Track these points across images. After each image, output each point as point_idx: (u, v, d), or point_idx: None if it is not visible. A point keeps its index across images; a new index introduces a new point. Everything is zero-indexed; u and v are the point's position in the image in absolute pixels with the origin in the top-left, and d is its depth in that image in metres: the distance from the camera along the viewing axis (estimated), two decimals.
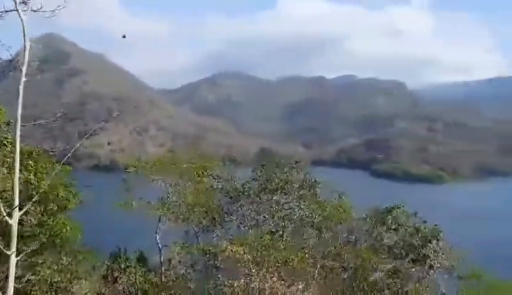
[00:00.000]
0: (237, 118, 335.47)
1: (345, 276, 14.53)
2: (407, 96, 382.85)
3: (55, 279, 12.50)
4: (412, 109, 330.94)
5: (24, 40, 6.30)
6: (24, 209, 6.34)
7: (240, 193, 17.28)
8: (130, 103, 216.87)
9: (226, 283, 12.98)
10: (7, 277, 6.07)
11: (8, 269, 5.95)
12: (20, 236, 8.35)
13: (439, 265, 15.50)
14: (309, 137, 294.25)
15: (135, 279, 14.33)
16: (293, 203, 17.51)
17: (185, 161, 17.93)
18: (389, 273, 14.99)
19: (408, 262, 15.71)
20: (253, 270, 12.45)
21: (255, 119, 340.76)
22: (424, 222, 17.13)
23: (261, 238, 14.56)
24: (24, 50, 6.32)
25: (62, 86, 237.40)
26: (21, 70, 6.28)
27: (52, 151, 15.14)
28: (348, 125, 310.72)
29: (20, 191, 6.78)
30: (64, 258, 12.92)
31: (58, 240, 12.37)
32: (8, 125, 11.27)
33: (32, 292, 12.13)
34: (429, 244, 15.56)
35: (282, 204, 17.41)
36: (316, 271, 14.09)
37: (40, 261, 12.17)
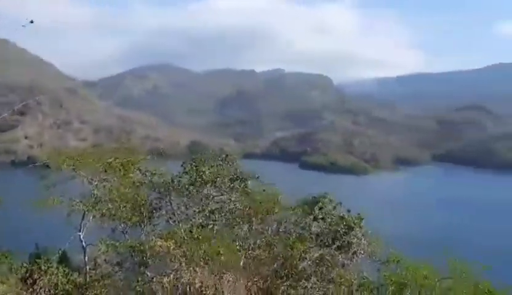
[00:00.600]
0: (166, 111, 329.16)
1: (275, 265, 14.83)
2: (333, 91, 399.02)
3: None
4: (338, 103, 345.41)
5: None
6: None
7: (169, 188, 16.96)
8: (48, 95, 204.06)
9: (154, 280, 12.73)
10: None
11: None
12: None
13: (362, 251, 16.30)
14: (240, 130, 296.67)
15: (57, 280, 13.58)
16: (224, 196, 17.50)
17: (110, 155, 17.19)
18: (317, 260, 15.53)
19: (334, 249, 16.35)
20: (183, 265, 12.33)
21: (185, 112, 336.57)
22: (349, 211, 17.88)
23: (191, 232, 14.43)
24: None
25: None
26: None
27: None
28: (278, 118, 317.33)
29: None
30: None
31: None
32: None
33: None
34: (352, 231, 16.31)
35: (213, 198, 17.35)
36: (246, 262, 14.25)
37: None
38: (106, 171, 16.70)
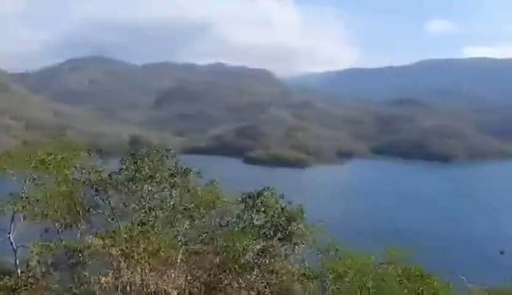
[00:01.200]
0: (104, 105, 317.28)
1: (217, 259, 14.82)
2: (276, 85, 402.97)
3: None
4: (281, 97, 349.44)
5: None
6: None
7: (107, 185, 16.40)
8: None
9: (92, 280, 12.29)
10: None
11: None
12: None
13: (303, 242, 16.68)
14: (182, 125, 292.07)
15: None
16: (164, 192, 17.21)
17: (43, 152, 16.33)
18: (259, 252, 15.69)
19: (276, 241, 16.61)
20: (122, 264, 12.00)
21: (124, 106, 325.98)
22: (290, 202, 18.21)
23: (131, 229, 14.07)
24: None
25: None
26: None
27: None
28: (220, 112, 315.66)
29: None
30: None
31: None
32: None
33: None
34: (293, 222, 16.64)
35: (153, 194, 17.01)
36: (189, 257, 14.12)
37: None
38: (38, 169, 15.84)
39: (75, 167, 17.18)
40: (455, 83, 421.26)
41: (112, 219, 16.36)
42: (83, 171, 16.95)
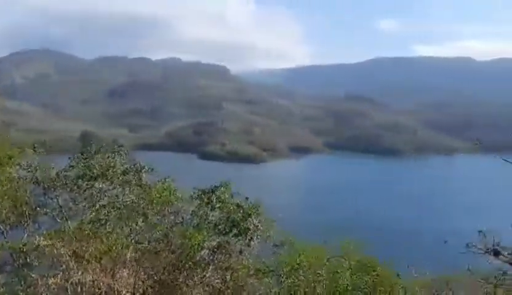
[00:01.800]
0: (53, 101, 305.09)
1: (172, 257, 14.62)
2: (231, 81, 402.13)
3: None
4: (236, 93, 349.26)
5: None
6: None
7: (55, 183, 15.77)
8: None
9: (40, 282, 11.78)
10: None
11: None
12: None
13: (258, 237, 16.76)
14: (135, 121, 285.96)
15: None
16: (116, 189, 16.76)
17: None
18: (214, 249, 15.64)
19: (232, 236, 16.61)
20: (72, 264, 11.58)
21: (74, 102, 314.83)
22: (246, 198, 18.25)
23: (81, 229, 13.61)
24: None
25: None
26: None
27: None
28: (175, 107, 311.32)
29: None
30: None
31: None
32: None
33: None
34: (249, 218, 16.68)
35: (105, 192, 16.52)
36: (142, 256, 13.85)
37: None
38: None
39: (19, 165, 16.42)
40: (406, 80, 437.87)
41: (61, 219, 15.76)
42: (29, 169, 16.23)
